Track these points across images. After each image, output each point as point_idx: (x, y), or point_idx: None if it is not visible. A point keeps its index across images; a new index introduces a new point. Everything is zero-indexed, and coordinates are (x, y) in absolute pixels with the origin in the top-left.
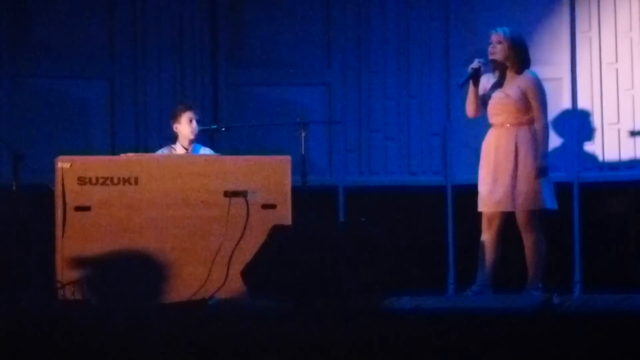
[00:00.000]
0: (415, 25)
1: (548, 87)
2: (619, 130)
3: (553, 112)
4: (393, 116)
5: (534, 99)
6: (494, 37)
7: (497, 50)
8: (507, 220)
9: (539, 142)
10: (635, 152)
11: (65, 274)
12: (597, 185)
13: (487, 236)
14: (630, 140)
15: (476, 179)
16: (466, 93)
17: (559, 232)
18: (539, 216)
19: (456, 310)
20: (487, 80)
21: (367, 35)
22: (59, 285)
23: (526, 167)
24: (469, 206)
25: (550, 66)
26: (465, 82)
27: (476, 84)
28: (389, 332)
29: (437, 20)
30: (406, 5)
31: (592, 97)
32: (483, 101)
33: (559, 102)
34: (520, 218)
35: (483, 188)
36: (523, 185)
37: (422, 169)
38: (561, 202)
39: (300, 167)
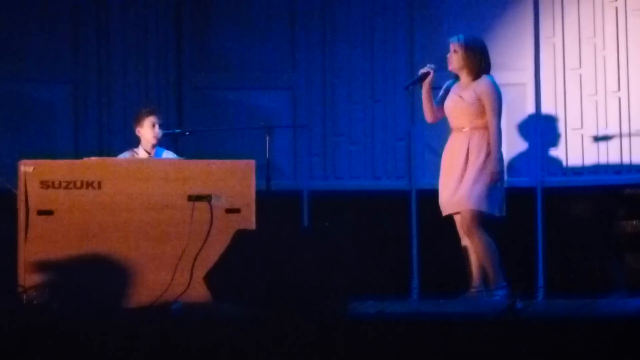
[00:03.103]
0: (379, 30)
1: (512, 92)
2: (582, 136)
3: (517, 117)
4: (357, 121)
5: (488, 104)
6: (450, 46)
7: (453, 59)
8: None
9: (491, 146)
10: (598, 157)
11: (27, 278)
12: (560, 190)
13: (466, 241)
14: (594, 145)
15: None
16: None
17: (522, 236)
18: (482, 218)
19: (420, 315)
20: (447, 85)
21: (332, 39)
22: (21, 289)
23: (472, 170)
24: (432, 211)
25: (514, 72)
26: (410, 85)
27: (425, 88)
28: (352, 337)
29: (402, 25)
30: (371, 10)
31: (555, 103)
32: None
33: (522, 107)
34: (463, 220)
35: (440, 192)
36: (465, 187)
37: (387, 173)
38: (524, 206)
39: (264, 171)
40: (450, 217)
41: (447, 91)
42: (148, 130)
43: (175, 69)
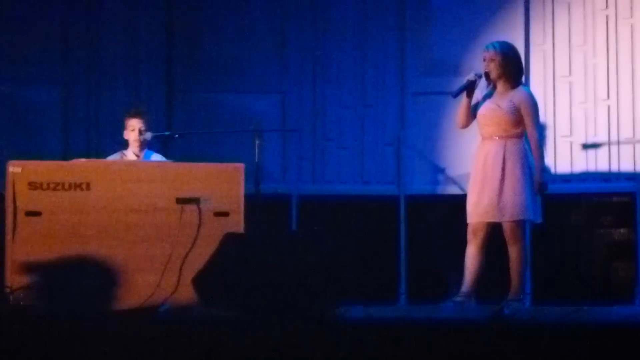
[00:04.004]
0: (370, 35)
1: None
2: (571, 143)
3: None
4: (347, 125)
5: (528, 115)
6: (487, 54)
7: (492, 67)
8: (492, 232)
9: (535, 157)
10: (587, 164)
11: (15, 279)
12: (549, 197)
13: (472, 247)
14: (583, 153)
15: (429, 189)
16: (457, 104)
17: None
18: (523, 227)
19: (407, 320)
20: (480, 92)
21: (323, 43)
22: (8, 290)
23: (512, 179)
24: (421, 216)
25: None
26: (459, 93)
27: (469, 95)
28: (340, 342)
29: (393, 30)
30: (362, 14)
31: (545, 110)
32: (473, 112)
33: None
34: (506, 229)
35: (471, 199)
36: (508, 197)
37: (376, 178)
38: None
39: (253, 175)
40: (442, 223)
41: (482, 98)
42: (130, 134)
43: (165, 72)
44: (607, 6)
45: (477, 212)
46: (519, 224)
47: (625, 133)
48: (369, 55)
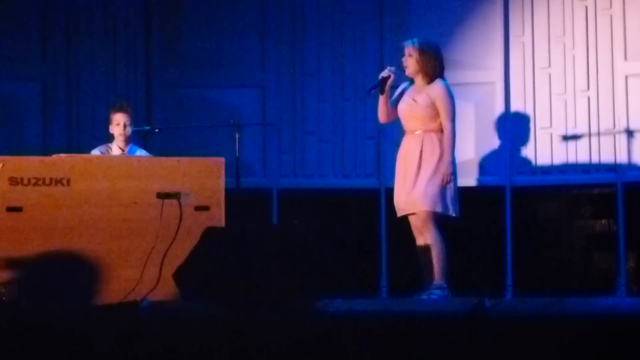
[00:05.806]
0: (349, 29)
1: (481, 91)
2: (551, 135)
3: (486, 116)
4: (327, 119)
5: (442, 108)
6: (405, 50)
7: (408, 63)
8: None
9: (444, 149)
10: (567, 156)
11: None
12: (529, 189)
13: (421, 241)
14: (563, 144)
15: None
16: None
17: (491, 235)
18: (435, 218)
19: (388, 313)
20: (403, 87)
21: (302, 38)
22: None
23: (425, 171)
24: None
25: (484, 70)
26: (371, 89)
27: (383, 91)
28: (321, 335)
29: (371, 23)
30: (341, 8)
31: (525, 102)
32: (395, 107)
33: (492, 106)
34: (418, 219)
35: (395, 194)
36: (419, 188)
37: (356, 171)
38: (493, 206)
39: (234, 169)
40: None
41: (402, 93)
42: (115, 128)
43: (144, 66)
44: None
45: (398, 207)
46: (428, 215)
47: (606, 124)
48: (348, 49)
